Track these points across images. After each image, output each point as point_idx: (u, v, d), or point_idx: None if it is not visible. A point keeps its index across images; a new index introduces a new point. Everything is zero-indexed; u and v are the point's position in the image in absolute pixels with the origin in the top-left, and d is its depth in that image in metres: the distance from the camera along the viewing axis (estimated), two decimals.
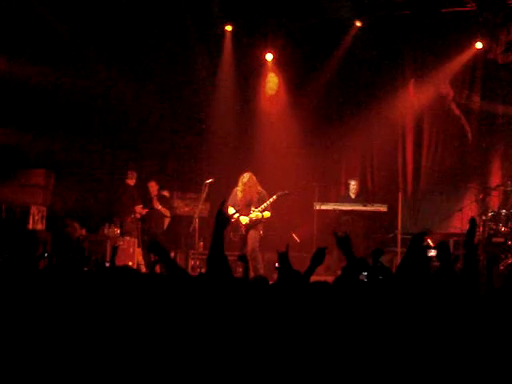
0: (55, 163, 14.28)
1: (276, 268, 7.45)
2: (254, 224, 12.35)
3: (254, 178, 12.47)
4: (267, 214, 12.43)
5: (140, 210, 14.43)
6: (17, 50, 13.52)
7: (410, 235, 14.27)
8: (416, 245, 5.50)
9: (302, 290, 5.32)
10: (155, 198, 14.59)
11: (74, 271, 6.87)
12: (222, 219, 5.46)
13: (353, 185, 14.77)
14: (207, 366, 4.40)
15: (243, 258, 6.73)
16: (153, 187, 14.65)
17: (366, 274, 6.01)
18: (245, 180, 12.42)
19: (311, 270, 5.32)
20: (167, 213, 14.71)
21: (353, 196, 14.69)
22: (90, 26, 14.39)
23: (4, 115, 13.63)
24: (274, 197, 12.36)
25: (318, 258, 5.42)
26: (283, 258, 5.50)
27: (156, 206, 14.54)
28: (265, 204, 12.33)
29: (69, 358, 4.54)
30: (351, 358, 4.37)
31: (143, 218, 14.55)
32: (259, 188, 12.52)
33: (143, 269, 13.38)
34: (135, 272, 6.12)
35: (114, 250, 8.99)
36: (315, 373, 4.31)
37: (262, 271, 11.92)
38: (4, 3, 13.19)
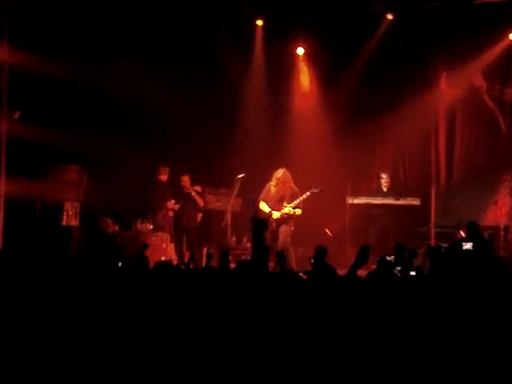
0: (88, 159, 14.32)
1: (311, 263, 7.48)
2: (285, 219, 12.35)
3: (288, 173, 12.48)
4: (299, 211, 12.43)
5: (172, 205, 14.46)
6: (48, 47, 13.57)
7: (443, 228, 14.30)
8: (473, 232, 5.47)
9: (335, 285, 5.33)
10: (190, 189, 14.50)
11: (109, 267, 6.93)
12: (260, 222, 5.55)
13: (384, 178, 14.73)
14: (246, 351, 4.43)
15: (280, 255, 6.74)
16: (185, 181, 14.63)
17: (399, 268, 6.00)
18: (279, 175, 12.43)
19: (356, 268, 5.32)
20: (201, 202, 14.60)
21: (385, 189, 14.64)
22: (121, 24, 14.43)
23: (37, 111, 13.71)
24: (308, 193, 12.34)
25: (363, 256, 5.42)
26: (320, 253, 5.52)
27: (192, 195, 14.39)
28: (297, 200, 12.33)
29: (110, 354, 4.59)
30: (388, 349, 4.36)
31: (176, 214, 14.56)
32: (292, 184, 12.51)
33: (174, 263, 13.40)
34: (171, 267, 6.18)
35: (144, 247, 9.06)
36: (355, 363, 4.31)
37: (294, 266, 11.92)
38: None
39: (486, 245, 9.98)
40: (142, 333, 4.93)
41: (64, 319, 5.13)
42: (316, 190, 12.37)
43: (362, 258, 5.50)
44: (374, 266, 6.76)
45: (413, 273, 6.32)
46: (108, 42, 14.41)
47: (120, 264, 7.43)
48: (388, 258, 6.74)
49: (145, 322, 5.01)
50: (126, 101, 14.90)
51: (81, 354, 4.71)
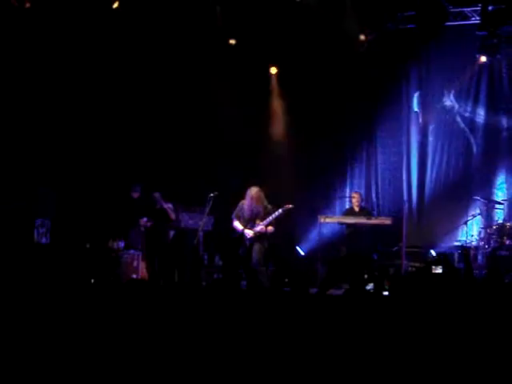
0: (59, 176, 14.28)
1: (285, 281, 7.49)
2: (258, 237, 12.33)
3: (261, 192, 12.45)
4: (271, 228, 12.40)
5: (144, 223, 14.39)
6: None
7: (415, 248, 14.39)
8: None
9: (306, 302, 5.33)
10: (162, 203, 14.42)
11: (81, 284, 6.88)
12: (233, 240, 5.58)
13: (356, 198, 14.74)
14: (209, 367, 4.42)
15: (252, 272, 6.74)
16: (157, 197, 14.56)
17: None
18: (252, 193, 12.40)
19: (326, 285, 5.34)
20: (172, 216, 14.51)
21: (356, 209, 14.67)
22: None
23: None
24: (280, 211, 12.33)
25: (333, 273, 5.45)
26: (291, 272, 5.53)
27: (164, 207, 14.31)
28: (270, 218, 12.31)
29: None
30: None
31: (148, 231, 14.49)
32: (265, 202, 12.49)
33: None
34: (143, 284, 6.16)
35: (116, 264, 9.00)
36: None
37: (266, 284, 11.89)
38: None
39: (456, 272, 10.02)
40: (114, 350, 4.90)
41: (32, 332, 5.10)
42: (288, 208, 12.36)
43: (331, 275, 5.52)
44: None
45: (386, 293, 6.35)
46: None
47: (92, 281, 7.40)
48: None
49: (116, 337, 4.98)
50: (97, 118, 14.91)
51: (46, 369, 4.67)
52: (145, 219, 14.32)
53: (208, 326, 5.05)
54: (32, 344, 4.94)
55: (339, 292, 6.34)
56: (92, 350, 4.88)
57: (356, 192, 15.03)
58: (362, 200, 14.84)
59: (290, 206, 12.39)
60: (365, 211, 14.67)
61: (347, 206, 15.43)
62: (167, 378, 4.53)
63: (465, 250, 10.91)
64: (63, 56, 14.35)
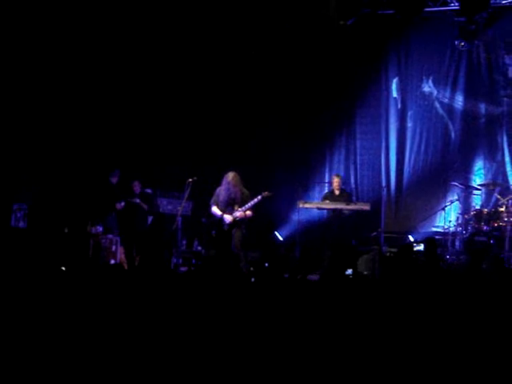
0: (39, 160, 14.20)
1: (265, 267, 7.50)
2: (236, 223, 12.32)
3: (237, 176, 12.40)
4: (250, 213, 12.37)
5: (120, 207, 14.31)
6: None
7: (393, 234, 14.45)
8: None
9: (282, 287, 5.34)
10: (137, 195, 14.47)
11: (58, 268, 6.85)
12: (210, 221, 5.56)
13: (336, 181, 14.68)
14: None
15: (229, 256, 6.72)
16: (135, 186, 14.54)
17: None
18: (229, 179, 12.35)
19: (299, 270, 5.35)
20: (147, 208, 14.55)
21: (337, 192, 14.60)
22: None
23: None
24: (259, 197, 12.31)
25: (306, 257, 5.46)
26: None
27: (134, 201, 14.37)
28: (248, 204, 12.29)
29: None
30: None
31: (125, 216, 14.44)
32: (243, 187, 12.46)
33: (125, 267, 13.30)
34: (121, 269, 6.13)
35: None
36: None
37: (244, 269, 11.89)
38: None
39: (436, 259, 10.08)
40: (92, 335, 4.87)
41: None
42: (267, 194, 12.34)
43: (305, 260, 5.54)
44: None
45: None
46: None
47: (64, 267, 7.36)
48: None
49: (95, 322, 4.96)
50: (75, 101, 14.82)
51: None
52: (122, 203, 14.26)
53: (189, 313, 5.03)
54: (9, 328, 4.91)
55: (315, 277, 6.38)
56: (69, 335, 4.86)
57: (337, 175, 14.99)
58: (342, 183, 14.82)
59: (269, 193, 12.39)
60: (345, 194, 14.61)
61: (326, 190, 15.45)
62: (143, 361, 4.52)
63: (430, 239, 10.92)
64: (49, 43, 14.23)
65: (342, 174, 15.82)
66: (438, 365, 4.19)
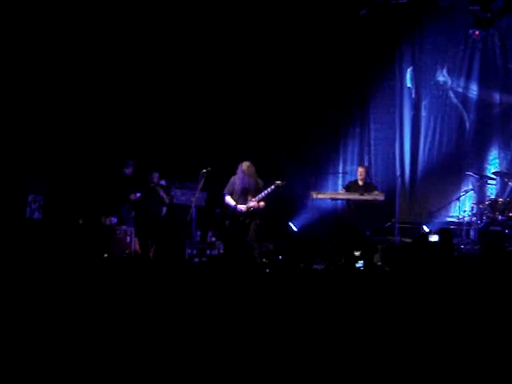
0: (52, 152, 14.26)
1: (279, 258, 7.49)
2: (251, 213, 12.32)
3: (252, 167, 12.41)
4: (263, 204, 12.37)
5: (134, 197, 14.32)
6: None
7: (407, 224, 14.41)
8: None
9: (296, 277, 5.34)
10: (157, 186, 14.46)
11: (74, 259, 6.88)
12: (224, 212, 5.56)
13: (360, 172, 14.62)
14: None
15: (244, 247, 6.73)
16: (155, 178, 14.54)
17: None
18: (243, 168, 12.36)
19: (312, 260, 5.35)
20: (165, 196, 14.56)
21: (360, 183, 14.54)
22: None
23: None
24: (272, 187, 12.31)
25: (315, 247, 5.46)
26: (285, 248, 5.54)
27: (159, 192, 14.38)
28: (262, 194, 12.29)
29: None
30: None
31: (140, 207, 14.46)
32: (257, 178, 12.47)
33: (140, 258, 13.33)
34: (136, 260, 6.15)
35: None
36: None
37: (258, 259, 11.90)
38: None
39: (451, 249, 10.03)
40: (107, 325, 4.90)
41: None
42: (281, 184, 12.32)
43: (314, 250, 5.54)
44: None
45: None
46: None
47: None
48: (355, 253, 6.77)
49: (109, 313, 4.98)
50: (93, 95, 14.86)
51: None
52: (138, 194, 14.27)
53: (203, 303, 5.05)
54: (24, 319, 4.94)
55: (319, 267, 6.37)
56: (84, 326, 4.88)
57: (362, 166, 14.94)
58: (367, 174, 14.77)
59: (283, 182, 12.37)
60: (369, 186, 14.52)
61: (340, 182, 15.42)
62: (154, 353, 4.54)
63: (445, 230, 10.86)
64: (52, 37, 14.26)
65: (355, 164, 15.80)
66: (450, 356, 4.20)
